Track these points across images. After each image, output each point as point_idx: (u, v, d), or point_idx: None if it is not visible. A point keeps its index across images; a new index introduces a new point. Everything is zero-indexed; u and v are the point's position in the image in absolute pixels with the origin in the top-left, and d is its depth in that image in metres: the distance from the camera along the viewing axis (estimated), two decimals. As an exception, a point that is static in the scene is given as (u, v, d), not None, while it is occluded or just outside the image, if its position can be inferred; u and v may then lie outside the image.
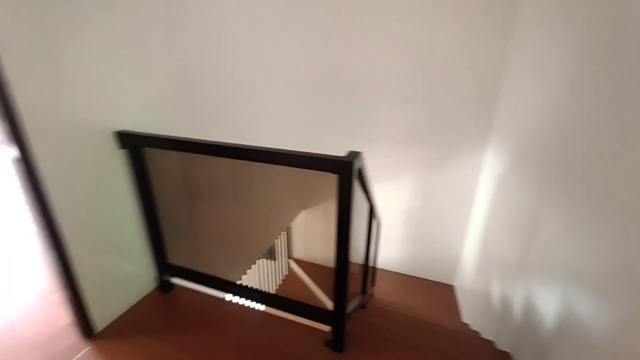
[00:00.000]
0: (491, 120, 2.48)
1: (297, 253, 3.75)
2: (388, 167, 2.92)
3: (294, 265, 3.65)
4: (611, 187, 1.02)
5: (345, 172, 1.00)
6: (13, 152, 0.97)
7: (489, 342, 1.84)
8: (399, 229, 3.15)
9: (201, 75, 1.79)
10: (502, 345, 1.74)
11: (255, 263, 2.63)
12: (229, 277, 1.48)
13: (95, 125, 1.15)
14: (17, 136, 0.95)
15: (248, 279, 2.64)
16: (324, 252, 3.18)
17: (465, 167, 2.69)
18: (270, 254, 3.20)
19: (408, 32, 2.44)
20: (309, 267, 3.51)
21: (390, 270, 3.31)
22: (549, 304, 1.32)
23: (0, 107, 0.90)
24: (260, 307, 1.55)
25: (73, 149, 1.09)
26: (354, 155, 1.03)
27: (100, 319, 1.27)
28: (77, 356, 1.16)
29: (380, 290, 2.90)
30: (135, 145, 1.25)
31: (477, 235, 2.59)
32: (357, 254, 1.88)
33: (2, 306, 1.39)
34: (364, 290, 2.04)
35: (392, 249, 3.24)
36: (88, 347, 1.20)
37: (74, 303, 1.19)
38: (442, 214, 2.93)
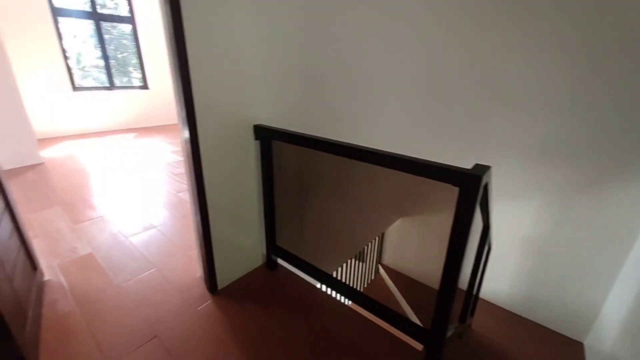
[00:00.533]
0: None
1: (387, 260, 3.65)
2: (509, 185, 2.52)
3: (382, 272, 3.57)
4: None
5: (469, 186, 0.91)
6: (185, 133, 1.24)
7: None
8: (513, 259, 2.69)
9: (326, 77, 1.90)
10: None
11: (346, 261, 2.68)
12: (324, 268, 1.55)
13: (240, 118, 1.37)
14: (190, 121, 1.20)
15: (338, 275, 2.72)
16: (420, 266, 3.00)
17: (627, 199, 2.09)
18: (360, 256, 3.21)
19: (562, 22, 2.03)
20: (398, 277, 3.38)
21: (494, 303, 2.87)
22: None
23: (183, 100, 1.17)
24: (348, 302, 1.57)
25: (223, 135, 1.32)
26: (483, 169, 0.93)
27: (222, 279, 1.52)
28: (203, 305, 1.42)
29: (481, 323, 2.54)
30: (267, 138, 1.43)
31: (632, 288, 1.98)
32: (460, 275, 1.70)
33: (158, 254, 1.81)
34: (462, 318, 1.83)
35: (500, 279, 2.80)
36: (210, 300, 1.45)
37: (206, 261, 1.45)
38: (579, 252, 2.35)
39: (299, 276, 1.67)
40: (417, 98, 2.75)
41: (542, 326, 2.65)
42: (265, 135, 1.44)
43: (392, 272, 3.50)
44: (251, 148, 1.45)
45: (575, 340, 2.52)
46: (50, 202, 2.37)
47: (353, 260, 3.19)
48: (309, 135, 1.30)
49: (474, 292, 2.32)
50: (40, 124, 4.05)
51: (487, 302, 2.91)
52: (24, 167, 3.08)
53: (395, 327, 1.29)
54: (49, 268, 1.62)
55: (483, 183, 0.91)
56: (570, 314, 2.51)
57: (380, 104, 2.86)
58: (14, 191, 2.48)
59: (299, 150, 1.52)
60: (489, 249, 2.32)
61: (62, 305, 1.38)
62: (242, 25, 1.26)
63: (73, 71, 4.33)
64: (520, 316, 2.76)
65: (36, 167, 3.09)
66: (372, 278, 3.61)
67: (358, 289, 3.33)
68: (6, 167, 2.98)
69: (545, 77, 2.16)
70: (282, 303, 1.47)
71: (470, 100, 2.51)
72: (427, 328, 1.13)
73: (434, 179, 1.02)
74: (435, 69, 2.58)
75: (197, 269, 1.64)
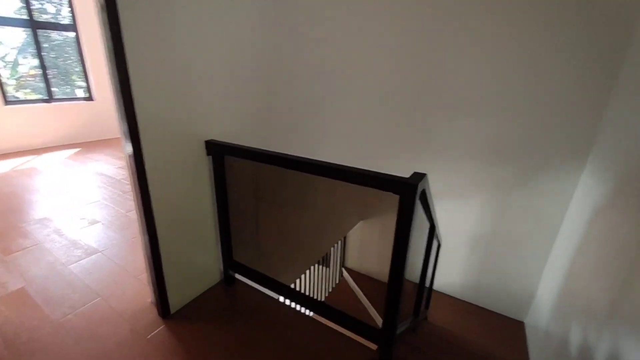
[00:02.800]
0: (591, 139, 2.14)
1: (351, 263, 3.74)
2: (458, 184, 2.74)
3: (346, 275, 3.65)
4: None
5: (407, 193, 0.98)
6: (128, 148, 1.18)
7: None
8: (463, 253, 2.91)
9: (284, 92, 1.92)
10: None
11: (309, 268, 2.71)
12: (284, 279, 1.56)
13: (190, 133, 1.34)
14: (133, 136, 1.15)
15: (301, 282, 2.73)
16: (380, 266, 3.13)
17: (552, 192, 2.37)
18: (324, 261, 3.26)
19: (498, 38, 2.26)
20: (362, 279, 3.47)
21: (449, 294, 3.08)
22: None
23: (124, 112, 1.11)
24: (310, 312, 1.60)
25: (171, 151, 1.28)
26: (418, 177, 1.01)
27: (175, 301, 1.46)
28: (154, 333, 1.35)
29: (436, 315, 2.71)
30: (219, 153, 1.41)
31: (559, 270, 2.25)
32: (413, 272, 1.81)
33: (103, 282, 1.69)
34: (416, 312, 1.95)
35: (453, 272, 3.01)
36: (162, 326, 1.38)
37: (156, 284, 1.39)
38: (517, 241, 2.62)
39: (258, 290, 1.66)
40: (368, 107, 2.88)
41: (490, 310, 2.90)
42: (218, 151, 1.42)
43: (356, 274, 3.60)
44: (204, 163, 1.43)
45: (517, 320, 2.79)
46: (-29, 232, 2.09)
47: (318, 266, 3.22)
48: (260, 149, 1.31)
49: (428, 286, 2.47)
50: (-43, 143, 3.56)
51: (443, 295, 3.11)
52: (-64, 193, 2.68)
53: (354, 332, 1.34)
54: (-30, 309, 1.43)
55: (419, 190, 0.99)
56: (512, 297, 2.78)
57: (340, 116, 2.94)
58: None
59: (253, 164, 1.52)
60: (439, 245, 2.48)
61: (-12, 351, 1.23)
62: (192, 36, 1.24)
63: (4, 83, 3.88)
64: (470, 303, 2.99)
65: (-48, 192, 2.71)
66: (337, 282, 3.67)
67: (324, 293, 3.37)
68: None
69: (488, 84, 2.38)
70: (241, 320, 1.45)
71: (423, 108, 2.68)
72: (379, 328, 1.19)
73: (378, 189, 1.09)
74: (393, 80, 2.72)
75: (148, 294, 1.56)
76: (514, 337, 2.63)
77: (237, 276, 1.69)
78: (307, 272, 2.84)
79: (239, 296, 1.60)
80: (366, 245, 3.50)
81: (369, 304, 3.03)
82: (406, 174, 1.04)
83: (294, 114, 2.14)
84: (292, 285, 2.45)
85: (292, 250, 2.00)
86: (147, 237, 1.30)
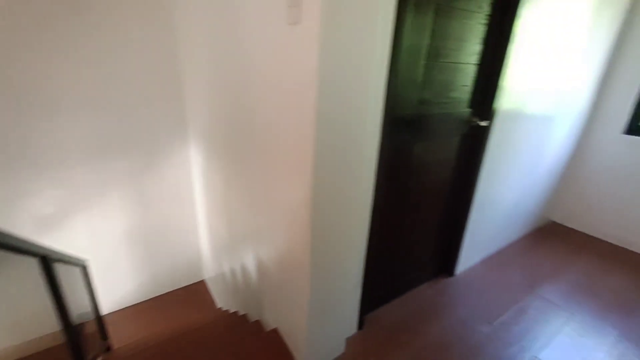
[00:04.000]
0: (184, 118, 2.55)
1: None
2: (85, 190, 2.34)
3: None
4: (244, 170, 1.34)
5: None
6: None
7: (235, 313, 2.07)
8: (126, 255, 2.70)
9: None
10: (241, 310, 2.02)
11: None
12: None
13: None
14: None
15: None
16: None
17: (179, 167, 2.68)
18: None
19: (84, 34, 1.91)
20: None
21: (128, 305, 2.83)
22: (250, 261, 1.64)
23: None
24: None
25: None
26: None
27: None
28: None
29: (123, 335, 2.42)
30: None
31: (204, 226, 2.74)
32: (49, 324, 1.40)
33: None
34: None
35: (124, 281, 2.75)
36: None
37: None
38: (169, 219, 2.80)
39: None
40: None
41: (174, 290, 3.07)
42: None
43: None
44: None
45: (200, 281, 3.20)
46: None
47: None
48: None
49: (93, 317, 2.09)
50: None
51: (123, 310, 2.82)
52: None
53: None
54: None
55: None
56: (187, 266, 3.08)
57: None
58: None
59: None
60: (84, 267, 2.10)
61: None
62: None
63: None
64: (157, 296, 2.98)
65: None
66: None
67: None
68: None
69: (87, 79, 2.04)
70: None
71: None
72: None
73: None
74: None
75: None
76: (202, 295, 3.01)
77: None
78: None
79: None
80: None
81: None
82: None
83: None
84: None
85: None
86: None
